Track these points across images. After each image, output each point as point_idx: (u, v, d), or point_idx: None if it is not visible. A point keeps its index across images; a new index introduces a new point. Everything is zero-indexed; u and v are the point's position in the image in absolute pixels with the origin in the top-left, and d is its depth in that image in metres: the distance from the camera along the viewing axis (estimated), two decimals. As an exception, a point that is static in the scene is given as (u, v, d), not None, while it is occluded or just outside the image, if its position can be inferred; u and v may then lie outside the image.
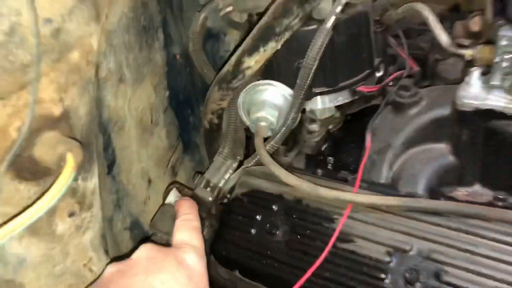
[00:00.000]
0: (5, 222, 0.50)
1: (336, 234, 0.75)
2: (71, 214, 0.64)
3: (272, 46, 0.75)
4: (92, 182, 0.65)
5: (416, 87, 0.95)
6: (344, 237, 0.76)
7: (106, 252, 0.72)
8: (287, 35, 0.75)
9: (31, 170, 0.57)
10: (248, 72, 0.78)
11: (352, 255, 0.74)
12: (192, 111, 1.07)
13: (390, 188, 0.89)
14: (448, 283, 0.67)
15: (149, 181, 0.95)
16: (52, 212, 0.61)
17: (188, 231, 0.73)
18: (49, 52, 0.54)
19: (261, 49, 0.74)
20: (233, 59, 0.78)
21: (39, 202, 0.51)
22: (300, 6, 0.73)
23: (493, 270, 0.65)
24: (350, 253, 0.74)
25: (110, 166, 0.80)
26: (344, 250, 0.75)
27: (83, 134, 0.62)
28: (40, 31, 0.50)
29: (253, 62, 0.75)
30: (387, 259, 0.72)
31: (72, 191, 0.63)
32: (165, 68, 0.93)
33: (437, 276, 0.68)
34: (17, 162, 0.55)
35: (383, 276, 0.71)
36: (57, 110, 0.57)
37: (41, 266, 0.63)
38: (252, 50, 0.74)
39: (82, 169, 0.63)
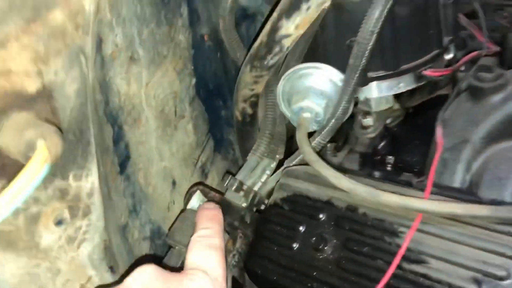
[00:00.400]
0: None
1: (402, 251, 0.58)
2: (59, 222, 0.50)
3: (319, 2, 0.59)
4: (89, 182, 0.52)
5: (499, 68, 0.76)
6: (413, 256, 0.59)
7: (112, 269, 0.58)
8: None
9: (-2, 164, 0.44)
10: (287, 43, 0.62)
11: (425, 280, 0.57)
12: (224, 103, 0.92)
13: (468, 194, 0.71)
14: None
15: (174, 183, 0.82)
16: (33, 220, 0.48)
17: (203, 251, 0.58)
18: (19, 8, 0.41)
19: (304, 6, 0.58)
20: (267, 26, 0.62)
21: None
22: None
23: None
24: (422, 277, 0.58)
25: (122, 164, 0.67)
26: (414, 273, 0.58)
27: (72, 120, 0.48)
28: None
29: (293, 28, 0.60)
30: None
31: (60, 193, 0.49)
32: (191, 51, 0.79)
33: (546, 314, 0.50)
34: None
35: (468, 311, 0.53)
36: (31, 86, 0.44)
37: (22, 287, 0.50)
38: (291, 10, 0.58)
39: (72, 164, 0.50)
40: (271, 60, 0.66)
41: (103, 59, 0.56)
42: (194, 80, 0.81)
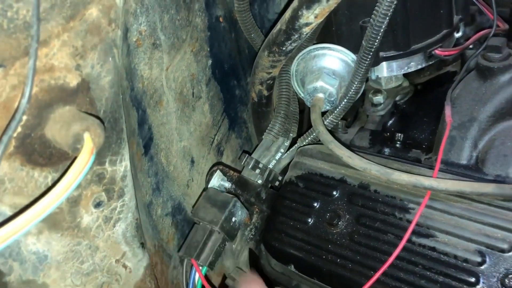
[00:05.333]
0: (15, 215, 0.41)
1: (412, 226, 0.62)
2: (97, 204, 0.54)
3: None
4: (123, 166, 0.55)
5: (508, 48, 0.78)
6: (422, 231, 0.63)
7: (142, 245, 0.63)
8: None
9: (44, 154, 0.47)
10: (306, 30, 0.65)
11: (433, 252, 0.61)
12: (238, 83, 0.95)
13: (474, 171, 0.74)
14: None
15: (192, 161, 0.85)
16: (75, 202, 0.52)
17: None
18: (59, 7, 0.44)
19: None
20: (287, 13, 0.65)
21: (52, 191, 0.41)
22: None
23: None
24: (430, 250, 0.62)
25: (146, 145, 0.70)
26: (423, 246, 0.62)
27: (107, 109, 0.52)
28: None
29: (313, 17, 0.62)
30: (478, 259, 0.58)
31: (98, 178, 0.53)
32: (207, 33, 0.81)
33: (546, 283, 0.54)
34: (26, 144, 0.45)
35: (473, 280, 0.58)
36: (73, 80, 0.47)
37: (66, 263, 0.54)
38: (312, 1, 0.61)
39: (108, 151, 0.53)
40: (289, 46, 0.68)
41: (129, 47, 0.59)
42: (210, 62, 0.84)
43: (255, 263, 0.85)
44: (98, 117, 0.48)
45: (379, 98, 0.92)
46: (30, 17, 0.40)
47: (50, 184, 0.48)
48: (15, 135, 0.44)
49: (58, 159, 0.48)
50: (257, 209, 0.82)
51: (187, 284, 0.65)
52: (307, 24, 0.63)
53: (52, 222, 0.51)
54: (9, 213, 0.46)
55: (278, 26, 0.67)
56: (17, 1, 0.41)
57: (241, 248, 0.82)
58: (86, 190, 0.52)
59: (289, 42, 0.67)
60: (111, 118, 0.52)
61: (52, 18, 0.44)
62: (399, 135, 0.88)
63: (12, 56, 0.42)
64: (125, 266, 0.61)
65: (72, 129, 0.44)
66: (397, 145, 0.88)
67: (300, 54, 0.80)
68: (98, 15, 0.48)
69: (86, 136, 0.44)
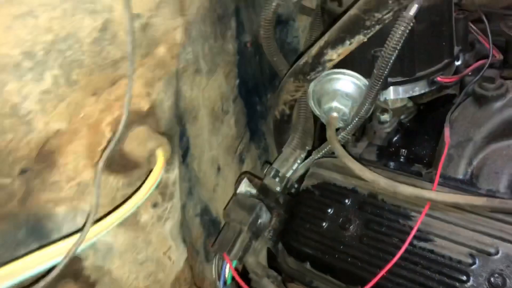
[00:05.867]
0: (101, 218, 0.52)
1: (414, 231, 0.73)
2: (154, 205, 0.65)
3: (360, 39, 0.72)
4: (174, 174, 0.66)
5: (501, 79, 0.88)
6: (422, 236, 0.73)
7: (184, 240, 0.73)
8: (377, 28, 0.72)
9: (121, 163, 0.58)
10: (329, 65, 0.76)
11: (431, 254, 0.72)
12: (260, 99, 1.06)
13: (468, 185, 0.85)
14: (538, 291, 0.63)
15: (218, 168, 0.96)
16: (138, 203, 0.63)
17: None
18: (138, 48, 0.55)
19: (347, 42, 0.72)
20: (314, 50, 0.75)
21: (133, 198, 0.52)
22: (396, 1, 0.68)
23: None
24: (428, 252, 0.72)
25: (184, 154, 0.81)
26: (422, 249, 0.73)
27: (166, 128, 0.62)
28: (129, 27, 0.50)
29: (336, 55, 0.73)
30: (469, 261, 0.69)
31: (146, 197, 0.64)
32: (236, 57, 0.92)
33: (526, 282, 0.64)
34: (109, 156, 0.56)
35: (464, 278, 0.68)
36: (145, 105, 0.58)
37: (126, 253, 0.65)
38: (336, 43, 0.72)
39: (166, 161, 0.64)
40: (313, 76, 0.79)
41: (177, 73, 0.69)
42: (237, 81, 0.94)
43: (271, 261, 0.96)
44: (166, 135, 0.59)
45: (385, 117, 1.03)
46: (118, 56, 0.51)
47: (120, 187, 0.59)
48: (100, 148, 0.55)
49: (131, 168, 0.58)
50: (276, 213, 0.93)
51: (219, 276, 0.75)
52: (330, 60, 0.74)
53: (120, 219, 0.62)
54: (87, 209, 0.57)
55: (305, 59, 0.78)
56: (109, 44, 0.52)
57: (261, 247, 0.92)
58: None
59: (313, 72, 0.78)
60: (169, 134, 0.63)
61: (134, 57, 0.54)
62: (403, 151, 0.98)
63: (102, 87, 0.53)
64: (170, 258, 0.71)
65: (148, 146, 0.54)
66: (401, 160, 0.98)
67: (317, 78, 0.90)
68: (165, 52, 0.59)
69: (159, 152, 0.54)
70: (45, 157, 0.52)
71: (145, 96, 0.58)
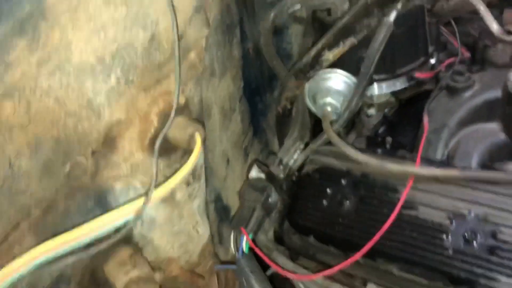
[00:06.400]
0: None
1: (401, 202, 0.86)
2: (187, 184, 0.77)
3: (351, 42, 0.86)
4: (201, 158, 0.78)
5: (469, 72, 1.03)
6: (408, 205, 0.87)
7: (207, 217, 0.85)
8: (365, 32, 0.86)
9: (163, 147, 0.70)
10: (325, 64, 0.90)
11: (416, 220, 0.85)
12: (261, 99, 1.19)
13: (446, 165, 0.99)
14: (503, 241, 0.77)
15: (228, 161, 1.08)
16: (175, 183, 0.75)
17: None
18: (176, 52, 0.67)
19: (341, 44, 0.86)
20: (313, 52, 0.89)
21: (182, 169, 0.64)
22: (380, 10, 0.83)
23: (544, 229, 0.75)
24: (414, 219, 0.85)
25: (203, 148, 0.93)
26: (409, 216, 0.86)
27: (197, 118, 0.75)
28: (173, 36, 0.63)
29: (331, 56, 0.87)
30: (447, 222, 0.82)
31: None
32: (241, 61, 1.05)
33: (493, 235, 0.78)
34: (154, 142, 0.68)
35: (444, 237, 0.82)
36: (182, 99, 0.71)
37: (165, 225, 0.77)
38: (332, 45, 0.86)
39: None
40: (312, 74, 0.93)
41: (200, 79, 0.82)
42: (242, 83, 1.08)
43: (277, 239, 1.08)
44: (201, 122, 0.72)
45: (372, 111, 1.16)
46: (162, 60, 0.64)
47: (161, 168, 0.71)
48: (149, 135, 0.68)
49: (171, 151, 0.71)
50: (280, 198, 1.06)
51: (237, 248, 0.87)
52: (327, 60, 0.88)
53: (161, 196, 0.74)
54: (139, 186, 0.69)
55: (304, 60, 0.92)
56: (155, 51, 0.64)
57: (269, 227, 1.05)
58: (182, 179, 0.75)
59: (312, 71, 0.92)
60: (202, 122, 0.75)
61: (171, 60, 0.67)
62: (389, 139, 1.12)
63: (150, 85, 0.66)
64: (197, 232, 0.83)
65: (188, 130, 0.67)
66: (387, 147, 1.12)
67: (312, 77, 1.04)
68: (195, 57, 0.72)
69: (197, 135, 0.67)
70: (109, 141, 0.64)
71: (181, 92, 0.70)
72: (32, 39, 0.50)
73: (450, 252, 0.81)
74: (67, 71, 0.56)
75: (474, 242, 0.80)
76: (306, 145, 1.10)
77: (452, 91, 1.02)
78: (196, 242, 0.83)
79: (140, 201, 0.63)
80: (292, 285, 1.01)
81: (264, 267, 0.94)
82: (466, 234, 0.80)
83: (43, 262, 0.56)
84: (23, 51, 0.49)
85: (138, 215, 0.63)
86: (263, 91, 1.19)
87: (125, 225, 0.64)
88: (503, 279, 0.76)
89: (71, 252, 0.59)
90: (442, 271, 0.82)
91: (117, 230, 0.64)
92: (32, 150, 0.54)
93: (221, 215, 1.07)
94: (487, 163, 0.98)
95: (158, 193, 0.64)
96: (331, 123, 1.05)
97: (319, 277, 0.90)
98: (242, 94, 1.09)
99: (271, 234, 1.08)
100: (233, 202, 1.10)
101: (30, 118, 0.52)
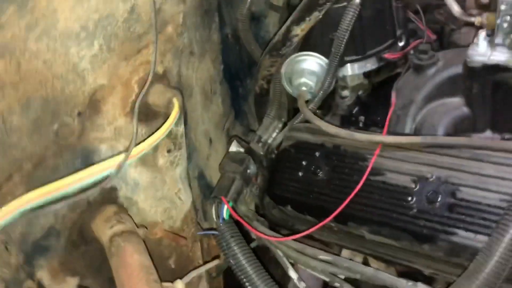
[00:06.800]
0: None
1: (369, 169, 0.92)
2: (168, 151, 0.83)
3: (316, 16, 0.93)
4: (181, 128, 0.84)
5: (432, 51, 1.11)
6: (376, 172, 0.93)
7: (189, 185, 0.91)
8: (327, 5, 0.93)
9: (144, 113, 0.76)
10: (295, 39, 0.97)
11: (383, 185, 0.91)
12: (241, 83, 1.25)
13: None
14: (461, 199, 0.83)
15: (210, 141, 1.14)
16: (156, 148, 0.81)
17: None
18: (154, 26, 0.74)
19: (307, 19, 0.93)
20: (283, 29, 0.96)
21: (161, 128, 0.70)
22: None
23: (497, 186, 0.81)
24: (381, 183, 0.92)
25: (184, 123, 0.99)
26: (377, 181, 0.92)
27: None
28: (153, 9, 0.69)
29: (300, 30, 0.94)
30: (412, 185, 0.88)
31: (169, 133, 0.82)
32: (220, 46, 1.12)
33: (453, 194, 0.85)
34: (139, 105, 0.74)
35: (409, 199, 0.88)
36: (160, 69, 0.77)
37: (148, 189, 0.82)
38: (299, 20, 0.93)
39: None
40: (284, 50, 0.99)
41: (178, 52, 0.88)
42: (222, 67, 1.14)
43: (259, 214, 1.14)
44: (179, 89, 0.78)
45: (346, 93, 1.22)
46: (141, 32, 0.70)
47: (143, 134, 0.77)
48: (130, 100, 0.74)
49: (152, 117, 0.77)
50: (260, 173, 1.12)
51: (218, 215, 0.93)
52: (296, 35, 0.95)
53: (143, 160, 0.79)
54: (122, 149, 0.75)
55: (276, 38, 0.99)
56: (135, 22, 0.71)
57: (250, 201, 1.11)
58: (163, 140, 0.81)
59: (284, 47, 0.98)
60: (179, 89, 0.81)
61: (150, 32, 0.73)
62: (361, 118, 1.19)
63: (130, 54, 0.72)
64: (180, 198, 0.89)
65: (166, 95, 0.73)
66: (360, 125, 1.19)
67: (288, 59, 1.11)
68: (172, 30, 0.78)
69: (175, 100, 0.73)
70: (94, 104, 0.70)
71: (160, 62, 0.76)
72: (21, 5, 0.56)
73: (415, 212, 0.87)
74: (53, 36, 0.62)
75: (436, 202, 0.86)
76: (284, 125, 1.16)
77: (418, 69, 1.09)
78: (179, 209, 0.88)
79: (121, 156, 0.69)
80: (272, 257, 1.07)
81: (248, 240, 1.00)
82: (429, 195, 0.86)
83: (33, 207, 0.62)
84: (12, 15, 0.55)
85: (119, 169, 0.68)
86: (243, 76, 1.26)
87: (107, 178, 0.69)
88: (461, 233, 0.82)
89: (58, 201, 0.65)
90: (407, 230, 0.88)
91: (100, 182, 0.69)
92: (23, 107, 0.60)
93: (204, 192, 1.13)
94: (452, 135, 1.05)
95: (138, 149, 0.70)
96: (306, 102, 1.12)
97: (295, 242, 0.96)
98: (222, 78, 1.15)
99: (252, 207, 1.14)
100: (216, 180, 1.15)
101: (20, 77, 0.58)
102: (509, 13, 0.91)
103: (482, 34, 0.97)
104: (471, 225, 0.81)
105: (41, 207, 0.62)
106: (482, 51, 0.97)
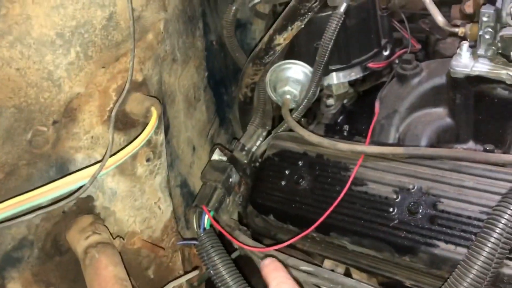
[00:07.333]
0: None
1: (351, 179, 0.92)
2: (147, 160, 0.82)
3: (298, 25, 0.93)
4: (161, 137, 0.83)
5: (417, 61, 1.11)
6: (358, 182, 0.92)
7: (170, 195, 0.90)
8: (309, 15, 0.93)
9: (122, 122, 0.75)
10: (278, 48, 0.96)
11: (365, 195, 0.91)
12: (226, 90, 1.25)
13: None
14: (442, 211, 0.83)
15: (194, 148, 1.13)
16: (134, 157, 0.79)
17: None
18: (133, 34, 0.73)
19: (289, 28, 0.92)
20: (266, 38, 0.95)
21: (139, 138, 0.69)
22: None
23: (477, 198, 0.81)
24: (363, 194, 0.91)
25: (165, 131, 0.98)
26: (359, 191, 0.92)
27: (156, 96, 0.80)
28: (131, 17, 0.68)
29: (282, 39, 0.93)
30: (394, 196, 0.88)
31: (148, 141, 0.81)
32: (204, 53, 1.11)
33: (434, 206, 0.84)
34: (116, 113, 0.73)
35: (391, 209, 0.88)
36: (139, 77, 0.76)
37: (126, 199, 0.81)
38: (282, 29, 0.92)
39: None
40: (267, 59, 0.99)
41: (158, 60, 0.87)
42: (206, 73, 1.13)
43: (241, 223, 1.13)
44: (157, 98, 0.77)
45: (331, 101, 1.22)
46: (120, 40, 0.69)
47: (122, 143, 0.76)
48: (108, 108, 0.72)
49: (130, 126, 0.75)
50: (243, 182, 1.11)
51: (199, 225, 0.92)
52: (279, 44, 0.94)
53: (121, 169, 0.78)
54: (99, 158, 0.73)
55: (259, 46, 0.98)
56: (113, 30, 0.70)
57: (233, 210, 1.10)
58: (141, 149, 0.80)
59: (267, 56, 0.98)
60: (159, 98, 0.80)
61: (129, 40, 0.72)
62: (346, 127, 1.19)
63: (108, 62, 0.71)
64: (159, 208, 0.88)
65: (145, 104, 0.72)
66: (345, 134, 1.19)
67: (273, 67, 1.10)
68: (152, 38, 0.77)
69: (153, 109, 0.72)
70: (70, 112, 0.69)
71: (139, 70, 0.75)
72: (-7, 12, 0.55)
73: (396, 223, 0.87)
74: (27, 43, 0.61)
75: (417, 213, 0.85)
76: (269, 133, 1.16)
77: (402, 79, 1.09)
78: (159, 219, 0.87)
79: (96, 167, 0.68)
80: (253, 267, 1.06)
81: (228, 251, 0.99)
82: (410, 206, 0.86)
83: (4, 218, 0.60)
84: (-16, 22, 0.54)
85: (93, 178, 0.67)
86: (228, 83, 1.25)
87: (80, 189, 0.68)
88: (442, 245, 0.82)
89: (31, 211, 0.63)
90: (388, 241, 0.87)
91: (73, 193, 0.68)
92: (-5, 115, 0.58)
93: (187, 200, 1.12)
94: (435, 145, 1.05)
95: (114, 159, 0.69)
96: (291, 111, 1.11)
97: (277, 252, 0.95)
98: (206, 84, 1.15)
99: (235, 216, 1.13)
100: (199, 188, 1.14)
101: (-8, 84, 0.57)
102: (491, 24, 0.91)
103: (465, 45, 0.97)
104: (452, 237, 0.81)
105: (12, 218, 0.61)
106: (465, 62, 0.97)
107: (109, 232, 0.76)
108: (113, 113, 0.67)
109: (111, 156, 0.67)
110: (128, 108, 0.74)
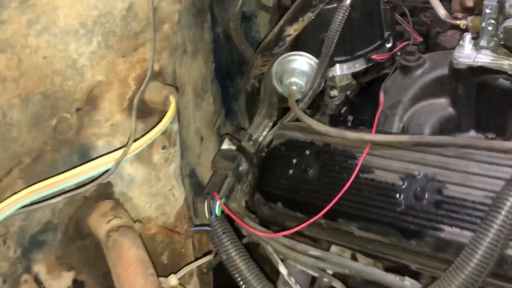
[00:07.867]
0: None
1: (358, 167, 0.95)
2: (163, 147, 0.84)
3: (309, 16, 0.96)
4: (175, 125, 0.85)
5: (419, 53, 1.14)
6: (365, 169, 0.95)
7: (183, 183, 0.92)
8: (320, 6, 0.95)
9: (141, 110, 0.77)
10: (288, 39, 0.98)
11: (372, 182, 0.94)
12: (232, 82, 1.27)
13: (399, 135, 1.08)
14: (448, 196, 0.86)
15: (201, 139, 1.15)
16: (151, 144, 0.82)
17: None
18: (151, 25, 0.75)
19: (300, 19, 0.95)
20: (276, 29, 0.98)
21: (159, 125, 0.71)
22: None
23: (482, 183, 0.84)
24: (370, 181, 0.94)
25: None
26: (366, 179, 0.95)
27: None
28: (151, 7, 0.70)
29: (293, 31, 0.96)
30: (400, 183, 0.91)
31: (164, 130, 0.83)
32: (212, 45, 1.13)
33: (439, 192, 0.87)
34: (132, 104, 0.75)
35: (397, 196, 0.90)
36: (157, 67, 0.78)
37: (143, 185, 0.83)
38: (292, 20, 0.95)
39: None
40: (276, 50, 1.01)
41: (173, 51, 0.89)
42: (213, 66, 1.15)
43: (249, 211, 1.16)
44: (175, 87, 0.79)
45: (334, 92, 1.25)
46: (138, 30, 0.71)
47: (140, 130, 0.78)
48: (127, 97, 0.75)
49: (148, 114, 0.78)
50: (251, 171, 1.13)
51: (211, 211, 0.94)
52: (289, 35, 0.97)
53: (139, 156, 0.80)
54: (118, 145, 0.75)
55: (268, 37, 1.00)
56: (132, 20, 0.72)
57: (240, 198, 1.13)
58: (158, 137, 0.82)
59: (276, 47, 1.00)
60: (176, 87, 0.82)
61: (146, 30, 0.74)
62: (350, 117, 1.21)
63: (128, 51, 0.73)
64: (174, 195, 0.90)
65: (163, 93, 0.74)
66: (349, 124, 1.21)
67: (279, 59, 1.12)
68: (168, 29, 0.79)
69: (171, 97, 0.74)
70: (92, 100, 0.71)
71: (156, 60, 0.77)
72: (22, 1, 0.57)
73: (403, 208, 0.90)
74: (53, 32, 0.62)
75: (423, 199, 0.88)
76: (275, 123, 1.18)
77: (405, 70, 1.12)
78: (173, 205, 0.90)
79: (118, 152, 0.70)
80: (260, 253, 1.09)
81: (239, 236, 1.01)
82: (416, 192, 0.89)
83: (31, 202, 0.62)
84: (14, 11, 0.56)
85: (118, 163, 0.69)
86: (234, 76, 1.27)
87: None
88: (447, 228, 0.85)
89: (55, 196, 0.65)
90: (395, 226, 0.90)
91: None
92: (23, 102, 0.60)
93: (195, 190, 1.14)
94: (438, 134, 1.08)
95: (136, 145, 0.71)
96: (297, 101, 1.14)
97: (286, 238, 0.97)
98: (214, 76, 1.17)
99: (243, 204, 1.16)
100: (207, 178, 1.16)
101: (21, 72, 0.59)
102: (493, 16, 0.94)
103: (468, 36, 1.00)
104: (457, 221, 0.84)
105: (39, 202, 0.63)
106: (468, 53, 1.00)
107: (129, 215, 0.79)
108: (135, 101, 0.70)
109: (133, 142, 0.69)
110: (147, 97, 0.76)
